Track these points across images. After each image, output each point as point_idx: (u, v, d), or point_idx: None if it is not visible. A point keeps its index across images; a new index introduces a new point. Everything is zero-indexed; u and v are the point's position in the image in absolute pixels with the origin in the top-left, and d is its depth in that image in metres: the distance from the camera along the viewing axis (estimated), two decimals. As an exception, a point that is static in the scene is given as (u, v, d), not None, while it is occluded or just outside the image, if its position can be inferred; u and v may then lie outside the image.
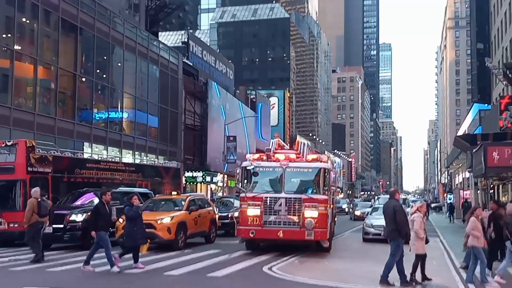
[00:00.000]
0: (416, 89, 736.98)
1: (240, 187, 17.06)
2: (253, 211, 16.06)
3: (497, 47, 55.05)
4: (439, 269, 14.11)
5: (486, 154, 24.18)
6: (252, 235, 16.05)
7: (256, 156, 17.33)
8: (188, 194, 24.35)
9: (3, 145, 20.10)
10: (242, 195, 16.66)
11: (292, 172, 16.50)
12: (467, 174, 48.73)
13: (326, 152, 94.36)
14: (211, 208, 21.11)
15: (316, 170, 16.64)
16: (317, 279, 11.80)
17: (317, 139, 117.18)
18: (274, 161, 16.76)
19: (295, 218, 15.83)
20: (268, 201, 16.02)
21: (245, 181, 16.89)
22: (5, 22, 28.29)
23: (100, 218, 12.97)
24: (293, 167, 16.52)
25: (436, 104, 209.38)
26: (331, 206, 18.37)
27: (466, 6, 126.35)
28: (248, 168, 16.77)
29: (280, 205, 15.91)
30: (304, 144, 18.23)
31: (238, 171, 17.37)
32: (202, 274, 12.48)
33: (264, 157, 16.96)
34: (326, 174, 16.70)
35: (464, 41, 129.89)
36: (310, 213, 15.78)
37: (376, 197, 51.24)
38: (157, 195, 22.64)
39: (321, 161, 17.04)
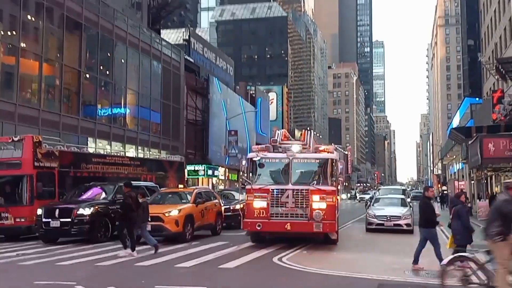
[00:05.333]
0: (408, 84, 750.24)
1: (246, 179, 16.35)
2: (259, 203, 15.54)
3: (487, 43, 56.71)
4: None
5: (482, 145, 25.13)
6: (259, 228, 15.54)
7: (262, 147, 16.78)
8: (195, 187, 24.41)
9: (10, 140, 20.11)
10: (248, 187, 16.02)
11: (299, 163, 16.01)
12: (461, 165, 50.35)
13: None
14: (217, 200, 21.07)
15: (323, 161, 16.18)
16: (328, 269, 11.87)
17: (314, 133, 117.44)
18: (280, 152, 16.25)
19: (303, 210, 15.34)
20: (275, 193, 15.47)
21: (251, 173, 16.29)
22: (11, 20, 28.44)
23: (428, 214, 12.37)
24: (300, 158, 16.02)
25: (427, 98, 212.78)
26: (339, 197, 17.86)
27: (456, 5, 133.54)
28: (254, 159, 16.14)
29: (287, 197, 15.39)
30: (310, 134, 17.49)
31: (243, 163, 16.68)
32: (213, 265, 12.44)
33: (271, 148, 16.44)
34: (333, 165, 16.17)
35: (454, 38, 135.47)
36: (318, 205, 15.28)
37: (377, 189, 52.16)
38: (162, 189, 22.55)
39: (328, 152, 16.58)
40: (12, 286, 10.33)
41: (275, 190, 15.54)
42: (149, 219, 15.35)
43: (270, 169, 16.41)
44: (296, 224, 15.30)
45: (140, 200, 14.94)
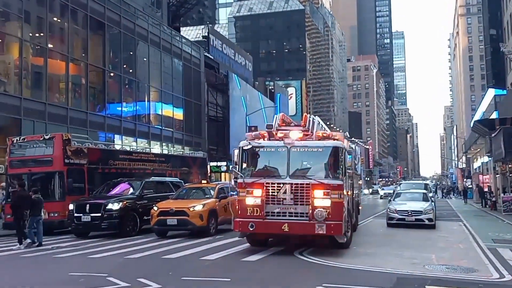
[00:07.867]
0: (430, 75, 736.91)
1: (236, 171, 13.95)
2: (252, 200, 13.31)
3: (510, 32, 55.35)
4: (467, 253, 14.28)
5: (506, 138, 24.80)
6: (251, 229, 13.26)
7: (256, 133, 14.37)
8: (217, 182, 25.03)
9: (41, 138, 20.99)
10: (240, 181, 13.65)
11: (299, 152, 13.55)
12: (486, 159, 49.29)
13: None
14: (239, 195, 21.67)
15: (328, 149, 13.59)
16: (348, 263, 11.88)
17: (334, 127, 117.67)
18: (277, 140, 13.94)
19: (303, 208, 12.99)
20: (270, 188, 13.19)
21: (243, 164, 13.99)
22: (38, 22, 29.40)
23: None
24: (300, 147, 13.59)
25: (450, 90, 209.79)
26: (349, 193, 15.50)
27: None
28: (245, 148, 13.87)
29: (285, 192, 13.08)
30: (313, 119, 14.95)
31: (235, 153, 14.20)
32: (236, 258, 12.60)
33: (266, 136, 14.16)
34: (340, 155, 13.61)
35: (476, 27, 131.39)
36: (321, 202, 12.89)
37: (399, 183, 52.09)
38: (186, 184, 23.12)
39: (334, 139, 13.99)
40: (49, 277, 10.85)
41: (270, 185, 13.26)
42: (41, 214, 16.51)
43: (264, 160, 14.09)
44: (295, 224, 13.01)
45: (33, 197, 16.21)
